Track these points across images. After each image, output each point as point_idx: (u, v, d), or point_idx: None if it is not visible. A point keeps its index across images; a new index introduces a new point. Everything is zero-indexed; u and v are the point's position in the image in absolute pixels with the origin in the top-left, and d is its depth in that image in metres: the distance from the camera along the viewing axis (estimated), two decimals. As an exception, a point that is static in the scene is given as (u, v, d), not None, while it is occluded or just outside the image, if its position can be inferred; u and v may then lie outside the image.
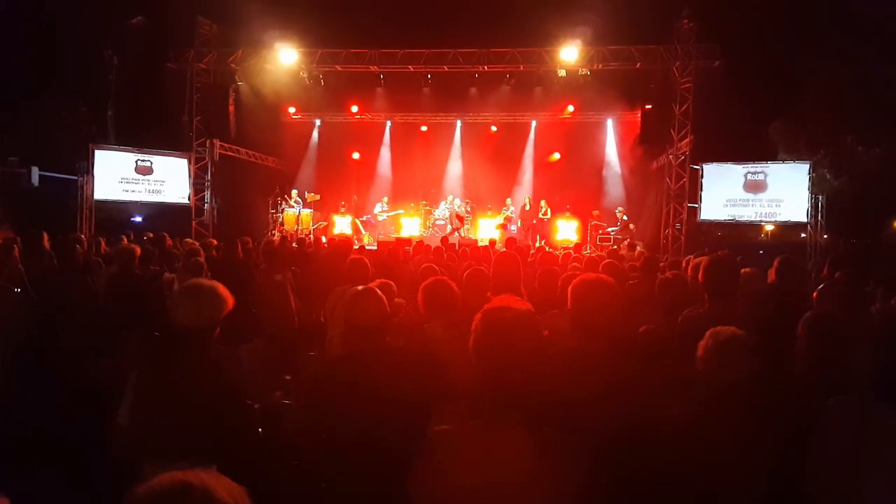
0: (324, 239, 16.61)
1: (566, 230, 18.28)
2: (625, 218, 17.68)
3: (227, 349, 2.84)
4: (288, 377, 4.96)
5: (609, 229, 17.50)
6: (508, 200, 19.11)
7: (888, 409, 2.21)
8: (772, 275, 4.79)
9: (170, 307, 2.72)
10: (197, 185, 17.74)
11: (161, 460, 2.51)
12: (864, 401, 2.30)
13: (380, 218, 19.55)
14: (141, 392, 2.66)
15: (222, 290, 2.81)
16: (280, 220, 18.22)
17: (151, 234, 10.51)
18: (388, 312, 2.94)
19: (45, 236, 7.72)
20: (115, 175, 16.63)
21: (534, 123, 20.88)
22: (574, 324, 2.75)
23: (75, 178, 15.97)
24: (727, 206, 16.35)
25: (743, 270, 5.10)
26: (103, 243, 9.42)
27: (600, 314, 2.68)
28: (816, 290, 4.45)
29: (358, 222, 19.46)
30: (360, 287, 3.09)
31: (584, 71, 17.14)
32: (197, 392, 2.59)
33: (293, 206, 18.31)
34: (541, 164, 20.68)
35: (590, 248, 16.35)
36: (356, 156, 20.93)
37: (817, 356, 2.77)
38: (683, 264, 6.23)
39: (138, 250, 6.49)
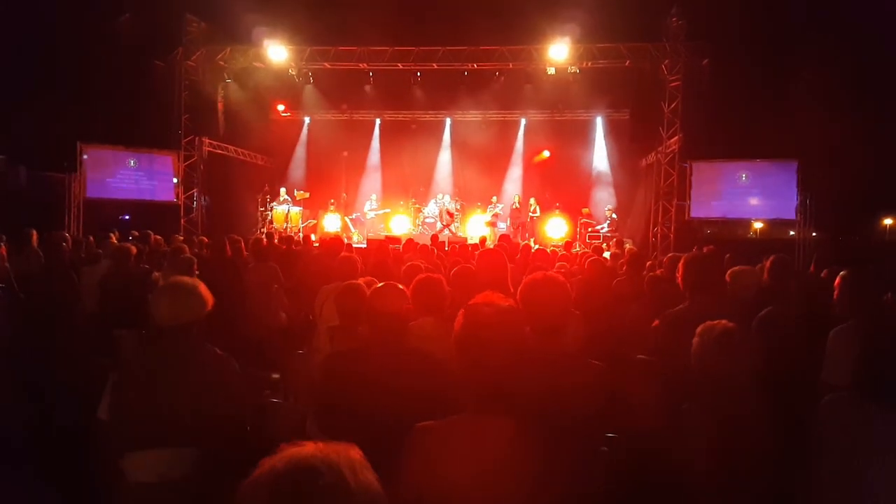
0: (313, 237, 16.59)
1: (556, 228, 18.34)
2: (614, 216, 17.78)
3: (211, 347, 2.85)
4: (276, 375, 4.96)
5: (598, 227, 17.59)
6: (494, 198, 19.16)
7: (875, 406, 2.24)
8: (764, 274, 4.80)
9: (151, 305, 2.74)
10: (186, 183, 17.69)
11: (140, 448, 2.56)
12: (854, 398, 2.32)
13: (369, 216, 19.55)
14: (122, 387, 2.69)
15: (202, 287, 2.84)
16: (269, 217, 18.19)
17: (136, 233, 10.47)
18: (410, 304, 2.98)
19: (35, 234, 7.71)
20: (104, 173, 16.58)
21: (523, 121, 20.91)
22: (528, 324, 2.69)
23: (63, 176, 15.88)
24: (716, 203, 16.46)
25: (736, 268, 5.10)
26: (92, 240, 9.38)
27: (548, 313, 2.58)
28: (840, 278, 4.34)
29: (347, 220, 19.43)
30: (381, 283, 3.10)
31: (573, 69, 17.18)
32: (179, 388, 2.62)
33: (282, 204, 18.27)
34: (531, 162, 20.72)
35: (579, 245, 16.42)
36: (345, 154, 20.89)
37: (765, 352, 2.81)
38: (666, 261, 6.24)
39: (134, 249, 6.48)
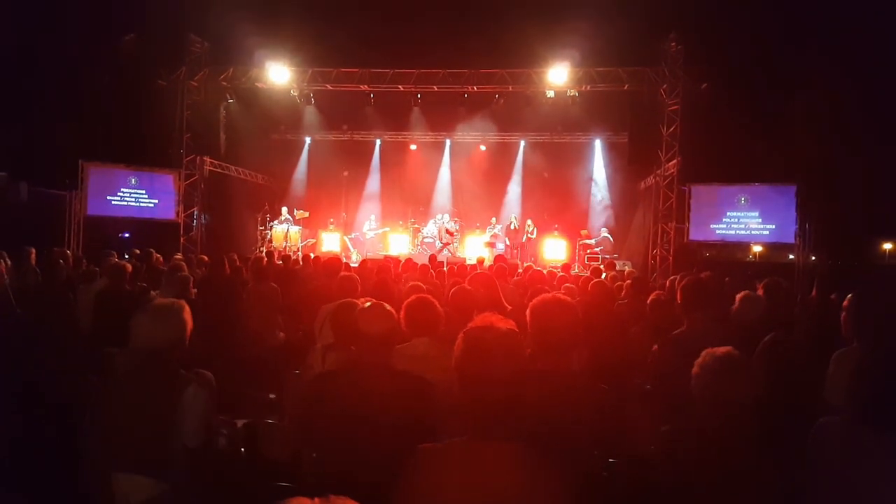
0: (312, 256, 16.60)
1: (554, 249, 18.36)
2: (610, 237, 17.84)
3: (192, 371, 2.84)
4: (272, 395, 4.91)
5: (597, 249, 17.61)
6: (493, 219, 19.22)
7: (869, 430, 2.23)
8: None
9: (131, 328, 2.74)
10: (186, 202, 17.72)
11: (122, 471, 2.56)
12: (847, 423, 2.31)
13: (368, 235, 19.59)
14: (101, 409, 2.71)
15: (184, 311, 2.83)
16: (269, 236, 18.21)
17: (138, 251, 10.47)
18: (398, 325, 2.97)
19: (33, 252, 7.72)
20: (105, 191, 16.65)
21: (522, 143, 21.05)
22: (534, 345, 2.67)
23: (65, 193, 15.92)
24: (715, 226, 16.49)
25: (745, 293, 5.06)
26: (84, 262, 9.37)
27: (558, 334, 2.60)
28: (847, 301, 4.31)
29: (346, 240, 19.47)
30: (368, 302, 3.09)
31: (573, 92, 17.29)
32: (149, 412, 2.63)
33: (282, 223, 18.31)
34: (529, 184, 20.81)
35: (578, 267, 16.43)
36: (345, 174, 21.01)
37: (768, 378, 2.79)
38: (668, 284, 6.23)
39: (129, 267, 6.47)
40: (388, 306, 2.95)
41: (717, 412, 2.48)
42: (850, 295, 3.55)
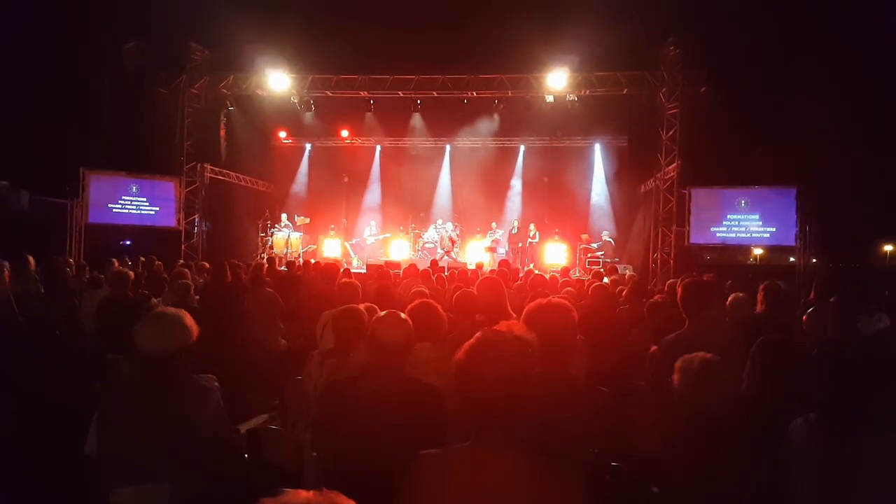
0: (313, 262, 16.63)
1: (555, 253, 18.36)
2: (611, 241, 17.84)
3: (200, 376, 2.86)
4: (275, 401, 4.93)
5: (598, 253, 17.62)
6: (494, 224, 19.23)
7: (832, 429, 2.30)
8: (759, 301, 4.82)
9: (135, 335, 2.74)
10: (187, 209, 17.74)
11: (127, 484, 2.56)
12: (821, 421, 2.38)
13: (369, 241, 19.60)
14: (107, 422, 2.70)
15: (187, 319, 2.84)
16: (270, 243, 18.22)
17: (143, 258, 10.52)
18: (413, 333, 2.97)
19: (31, 260, 7.73)
20: (106, 198, 16.67)
21: (522, 148, 21.06)
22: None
23: (66, 201, 15.94)
24: (715, 230, 16.48)
25: (732, 296, 5.13)
26: (87, 270, 9.39)
27: (553, 337, 2.59)
28: (805, 315, 4.48)
29: (347, 245, 19.49)
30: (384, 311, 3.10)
31: (572, 96, 17.32)
32: (161, 420, 2.64)
33: (283, 230, 18.33)
34: (529, 189, 20.82)
35: (579, 271, 16.44)
36: (346, 180, 21.05)
37: (763, 379, 2.83)
38: (667, 288, 6.26)
39: (132, 275, 6.50)
40: (403, 315, 2.97)
41: (695, 416, 2.53)
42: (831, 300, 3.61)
